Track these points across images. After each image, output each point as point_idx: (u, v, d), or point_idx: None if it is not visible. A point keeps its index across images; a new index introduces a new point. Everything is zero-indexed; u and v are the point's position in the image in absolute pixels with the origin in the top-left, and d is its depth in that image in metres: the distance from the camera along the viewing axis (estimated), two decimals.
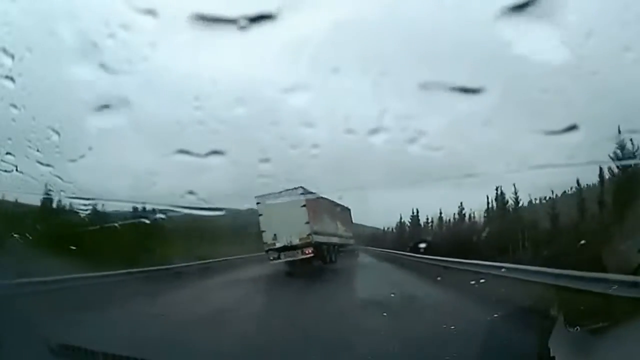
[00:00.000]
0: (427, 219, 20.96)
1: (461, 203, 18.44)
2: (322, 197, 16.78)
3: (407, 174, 15.72)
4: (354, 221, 21.51)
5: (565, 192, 14.92)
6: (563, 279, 7.10)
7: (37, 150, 7.12)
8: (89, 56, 6.64)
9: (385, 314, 7.06)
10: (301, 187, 15.08)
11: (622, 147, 9.78)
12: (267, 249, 16.03)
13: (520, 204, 15.86)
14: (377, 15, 10.27)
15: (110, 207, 12.49)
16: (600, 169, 11.52)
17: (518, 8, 5.32)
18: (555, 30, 5.87)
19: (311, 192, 15.55)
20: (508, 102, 10.13)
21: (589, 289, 6.17)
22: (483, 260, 10.53)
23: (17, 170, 7.19)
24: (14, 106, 6.66)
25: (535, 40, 5.94)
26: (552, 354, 3.56)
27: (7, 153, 7.01)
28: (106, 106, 7.40)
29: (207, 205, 8.71)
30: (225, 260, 18.08)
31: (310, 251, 15.82)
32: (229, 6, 6.32)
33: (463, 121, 10.04)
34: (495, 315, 5.88)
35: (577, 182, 13.36)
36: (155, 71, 9.38)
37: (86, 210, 10.20)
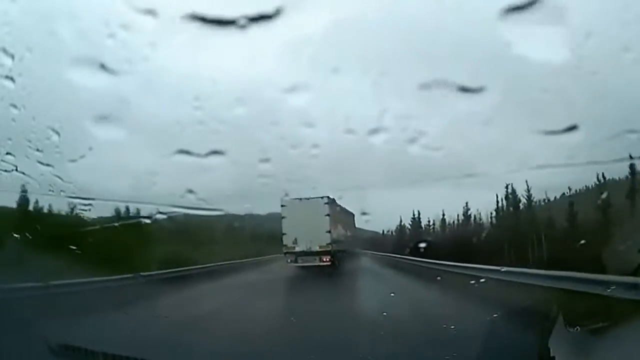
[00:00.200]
0: (429, 221, 20.73)
1: (467, 203, 18.08)
2: (339, 206, 17.33)
3: (407, 174, 15.75)
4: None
5: (563, 193, 14.72)
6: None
7: (37, 150, 7.12)
8: (89, 56, 6.63)
9: (385, 313, 7.07)
10: (327, 196, 15.86)
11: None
12: (285, 251, 16.42)
13: (532, 203, 15.21)
14: (377, 15, 10.27)
15: (110, 207, 12.52)
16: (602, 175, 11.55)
17: (518, 8, 5.32)
18: (555, 30, 5.87)
19: (333, 200, 16.26)
20: (508, 102, 10.13)
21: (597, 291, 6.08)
22: (489, 264, 10.11)
23: (17, 170, 7.19)
24: (14, 106, 6.65)
25: (535, 40, 5.94)
26: (552, 354, 3.56)
27: (7, 153, 7.01)
28: (106, 106, 7.42)
29: (207, 206, 8.74)
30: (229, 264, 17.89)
31: (328, 259, 16.29)
32: (229, 6, 6.32)
33: (463, 121, 10.06)
34: (495, 315, 5.89)
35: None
36: (155, 71, 9.40)
37: (86, 210, 10.18)
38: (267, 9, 5.84)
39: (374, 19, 10.48)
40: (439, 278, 11.39)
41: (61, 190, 8.01)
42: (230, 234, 19.94)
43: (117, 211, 12.93)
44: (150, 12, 6.00)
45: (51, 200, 11.75)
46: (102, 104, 7.53)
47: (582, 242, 8.20)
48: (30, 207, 11.87)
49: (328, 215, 16.12)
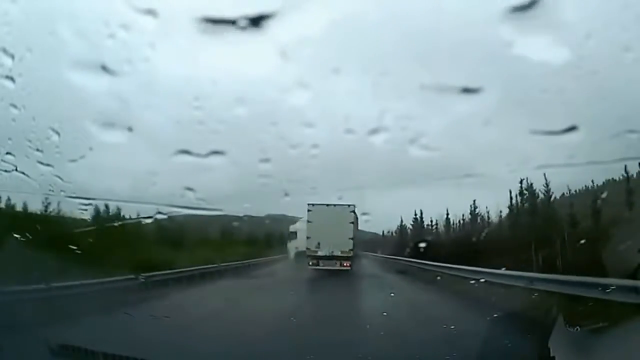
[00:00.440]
0: (431, 221, 20.62)
1: (474, 201, 17.63)
2: (355, 213, 17.67)
3: (407, 174, 15.76)
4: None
5: (563, 194, 14.45)
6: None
7: (37, 150, 7.11)
8: (89, 56, 6.64)
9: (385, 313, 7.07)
10: (352, 204, 16.53)
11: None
12: (308, 254, 17.14)
13: (551, 199, 13.91)
14: (378, 15, 10.29)
15: (110, 207, 12.53)
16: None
17: (518, 9, 5.32)
18: (556, 31, 5.88)
19: (355, 208, 16.77)
20: (508, 102, 10.16)
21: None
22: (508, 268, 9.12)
23: (17, 170, 7.18)
24: (14, 106, 6.64)
25: (535, 41, 5.94)
26: (552, 354, 3.56)
27: (7, 153, 6.99)
28: (106, 106, 7.43)
29: (206, 205, 8.73)
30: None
31: (348, 264, 17.05)
32: (229, 6, 6.33)
33: (463, 121, 10.08)
34: (495, 316, 5.88)
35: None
36: (156, 71, 9.41)
37: (86, 210, 10.19)
38: (267, 9, 5.85)
39: (374, 19, 10.52)
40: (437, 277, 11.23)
41: (61, 190, 8.01)
42: (227, 234, 19.93)
43: (117, 211, 12.96)
44: (151, 13, 6.00)
45: (51, 200, 11.75)
46: (102, 104, 7.55)
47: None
48: (30, 207, 11.89)
49: (352, 223, 16.81)
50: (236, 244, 20.35)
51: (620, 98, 9.41)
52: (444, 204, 19.17)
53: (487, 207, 17.44)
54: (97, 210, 12.35)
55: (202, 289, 12.62)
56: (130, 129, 6.78)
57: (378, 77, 8.16)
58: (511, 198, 15.04)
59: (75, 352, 4.63)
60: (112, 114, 7.08)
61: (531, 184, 14.12)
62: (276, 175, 9.02)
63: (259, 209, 18.75)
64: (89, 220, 11.08)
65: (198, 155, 7.40)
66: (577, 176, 13.07)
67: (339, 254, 16.92)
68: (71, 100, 7.99)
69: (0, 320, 5.80)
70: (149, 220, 10.67)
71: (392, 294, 10.68)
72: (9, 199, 11.88)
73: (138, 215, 11.59)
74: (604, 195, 11.83)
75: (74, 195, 8.79)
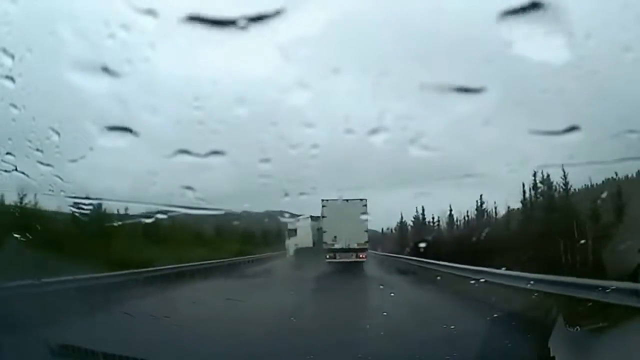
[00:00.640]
0: (433, 217, 20.42)
1: (481, 196, 17.09)
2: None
3: (407, 174, 15.74)
4: None
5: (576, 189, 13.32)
6: None
7: (37, 150, 7.11)
8: (89, 57, 6.63)
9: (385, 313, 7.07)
10: (365, 199, 16.98)
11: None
12: (326, 247, 17.84)
13: (569, 192, 12.52)
14: (378, 15, 10.30)
15: (110, 207, 12.53)
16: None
17: (518, 8, 5.31)
18: (555, 30, 5.87)
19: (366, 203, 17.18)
20: (508, 102, 10.15)
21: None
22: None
23: (17, 170, 7.19)
24: (14, 106, 6.64)
25: (535, 40, 5.94)
26: (552, 354, 3.56)
27: (7, 153, 6.99)
28: (106, 106, 7.42)
29: (206, 205, 8.73)
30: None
31: (364, 255, 18.01)
32: (229, 6, 6.32)
33: (463, 121, 10.06)
34: (495, 316, 5.88)
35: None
36: (156, 71, 9.40)
37: (86, 210, 10.18)
38: (267, 9, 5.84)
39: (374, 19, 10.52)
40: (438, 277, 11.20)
41: (61, 190, 8.01)
42: (226, 231, 20.02)
43: (117, 211, 12.96)
44: (150, 13, 5.99)
45: (51, 200, 11.75)
46: (102, 104, 7.54)
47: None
48: (30, 207, 11.87)
49: (365, 213, 17.18)
50: (234, 241, 20.46)
51: (620, 98, 9.42)
52: (444, 203, 19.14)
53: (495, 202, 16.99)
54: (97, 209, 12.33)
55: (205, 283, 12.73)
56: (130, 129, 6.76)
57: (378, 77, 8.16)
58: (524, 192, 14.18)
59: (75, 352, 4.64)
60: (112, 114, 7.07)
61: (548, 176, 12.99)
62: (276, 175, 9.01)
63: (258, 206, 18.78)
64: (88, 220, 11.07)
65: (198, 155, 7.39)
66: (577, 176, 13.08)
67: (355, 246, 17.74)
68: (71, 101, 7.99)
69: (1, 320, 5.82)
70: (149, 220, 10.69)
71: (392, 294, 10.68)
72: (9, 199, 11.90)
73: (138, 215, 11.62)
74: (604, 195, 11.70)
75: (74, 195, 8.80)
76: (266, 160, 8.31)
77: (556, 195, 12.98)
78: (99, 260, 10.41)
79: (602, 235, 8.43)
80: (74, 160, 7.67)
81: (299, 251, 21.63)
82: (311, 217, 22.24)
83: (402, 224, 22.39)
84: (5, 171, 7.20)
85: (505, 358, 4.44)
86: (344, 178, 20.19)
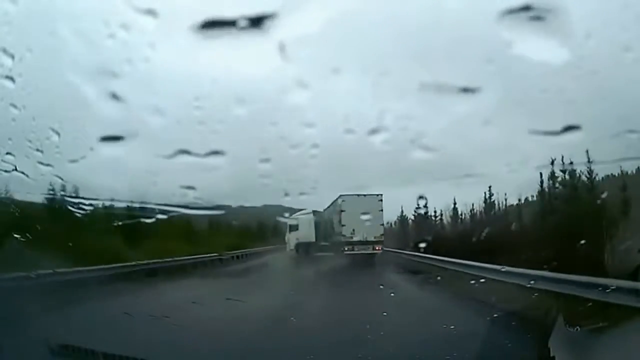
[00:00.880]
0: (435, 211, 19.89)
1: (490, 187, 16.28)
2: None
3: (407, 174, 15.74)
4: None
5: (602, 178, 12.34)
6: None
7: (37, 150, 7.11)
8: (89, 57, 6.64)
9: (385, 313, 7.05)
10: (381, 193, 18.12)
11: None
12: (344, 240, 18.58)
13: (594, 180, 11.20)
14: (378, 15, 10.30)
15: (110, 207, 12.54)
16: None
17: (518, 8, 5.32)
18: (555, 30, 5.87)
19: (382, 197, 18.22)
20: (508, 102, 10.16)
21: None
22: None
23: (17, 170, 7.19)
24: (14, 106, 6.64)
25: (535, 40, 5.94)
26: (552, 354, 3.56)
27: (7, 153, 6.99)
28: (106, 107, 7.41)
29: (205, 205, 8.74)
30: None
31: (380, 247, 18.76)
32: (229, 6, 6.33)
33: (463, 121, 10.07)
34: (495, 316, 5.87)
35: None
36: (156, 71, 9.41)
37: (86, 210, 10.19)
38: (267, 9, 5.84)
39: (374, 20, 10.53)
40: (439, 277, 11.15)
41: (61, 190, 8.01)
42: (225, 226, 20.10)
43: (117, 211, 12.96)
44: (150, 13, 6.00)
45: (51, 200, 11.76)
46: (102, 104, 7.54)
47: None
48: (31, 207, 11.87)
49: (381, 210, 18.46)
50: (232, 235, 20.55)
51: (620, 98, 9.42)
52: (444, 203, 19.15)
53: (505, 194, 16.19)
54: (96, 209, 12.35)
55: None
56: (130, 130, 6.78)
57: (378, 77, 8.19)
58: (542, 182, 12.66)
59: (75, 352, 4.64)
60: (112, 114, 7.07)
61: (571, 162, 10.79)
62: (276, 175, 9.03)
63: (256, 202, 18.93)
64: (88, 220, 11.07)
65: (198, 155, 7.39)
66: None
67: (372, 239, 18.51)
68: (71, 101, 7.99)
69: (1, 320, 5.82)
70: (149, 220, 10.70)
71: (392, 294, 10.66)
72: (9, 199, 11.88)
73: (138, 215, 11.63)
74: (604, 195, 11.59)
75: (74, 195, 8.81)
76: (266, 160, 8.32)
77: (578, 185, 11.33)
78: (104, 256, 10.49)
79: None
80: (74, 161, 7.68)
81: (301, 245, 21.92)
82: (313, 211, 22.43)
83: (402, 218, 22.30)
84: (5, 171, 7.21)
85: (505, 358, 4.44)
86: (343, 178, 20.19)
